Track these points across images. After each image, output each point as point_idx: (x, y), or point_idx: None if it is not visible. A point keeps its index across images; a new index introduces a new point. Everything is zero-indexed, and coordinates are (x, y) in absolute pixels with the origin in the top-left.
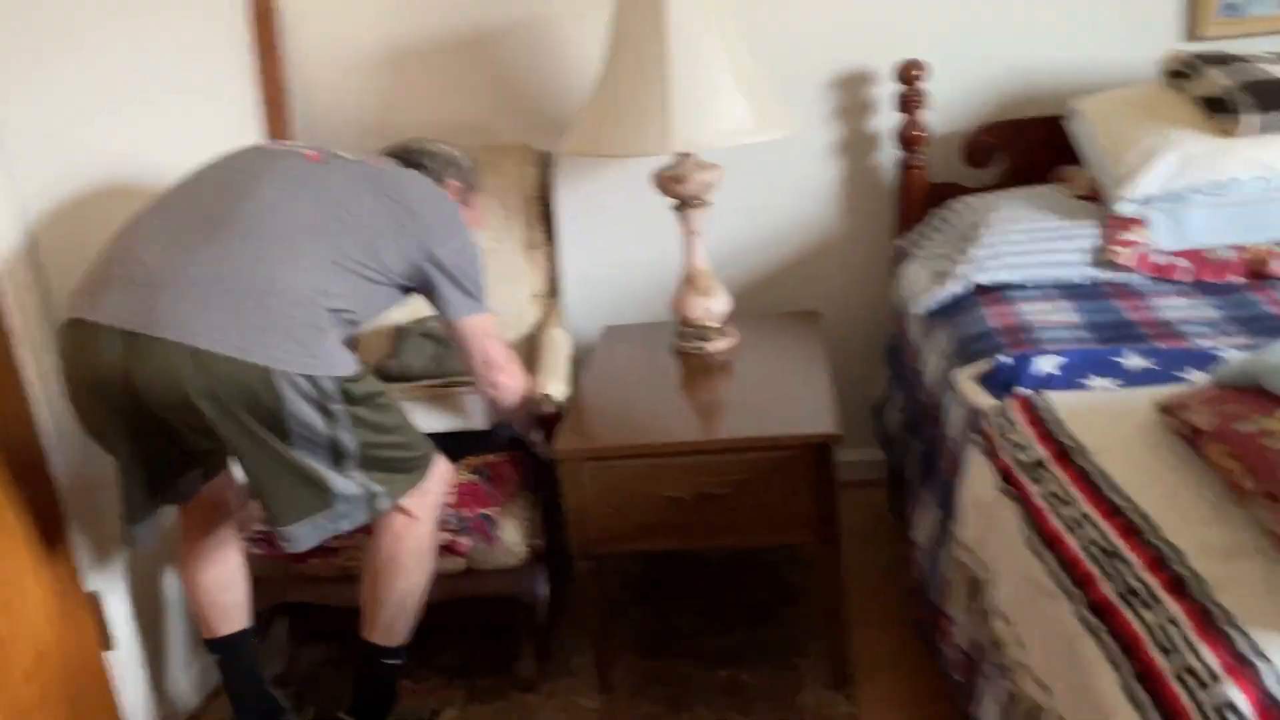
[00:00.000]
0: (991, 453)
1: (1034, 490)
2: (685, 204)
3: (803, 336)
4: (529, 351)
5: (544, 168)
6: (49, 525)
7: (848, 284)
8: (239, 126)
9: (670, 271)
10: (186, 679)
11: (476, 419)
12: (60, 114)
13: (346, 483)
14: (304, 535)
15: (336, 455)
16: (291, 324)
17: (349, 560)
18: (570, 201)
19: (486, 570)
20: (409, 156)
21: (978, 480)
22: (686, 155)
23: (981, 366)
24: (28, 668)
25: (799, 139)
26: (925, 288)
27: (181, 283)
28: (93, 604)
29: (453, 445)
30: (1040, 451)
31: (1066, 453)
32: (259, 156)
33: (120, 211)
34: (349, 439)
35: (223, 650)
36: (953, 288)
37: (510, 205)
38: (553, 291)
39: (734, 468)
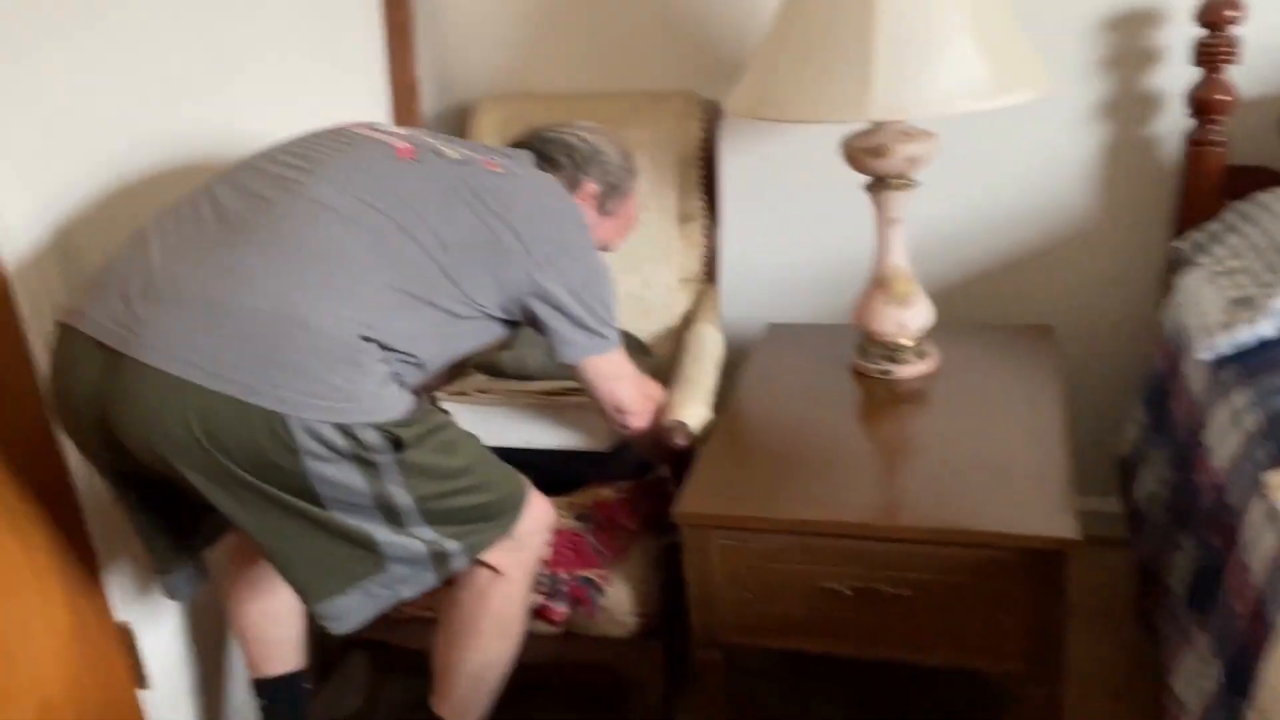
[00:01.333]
0: None
1: None
2: (883, 183)
3: (1030, 362)
4: (672, 349)
5: (711, 121)
6: (72, 548)
7: (1097, 292)
8: (357, 82)
9: (858, 261)
10: (253, 715)
11: (597, 439)
12: (140, 78)
13: (407, 541)
14: (352, 610)
15: (389, 513)
16: (318, 360)
17: (423, 609)
18: (737, 165)
19: (589, 636)
20: (543, 149)
21: None
22: (890, 120)
23: None
24: None
25: (1045, 98)
26: (1216, 319)
27: (181, 296)
28: (124, 637)
29: (565, 466)
30: None
31: None
32: (334, 143)
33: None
34: (401, 494)
35: (268, 694)
36: (1262, 327)
37: (664, 166)
38: (709, 275)
39: (917, 563)
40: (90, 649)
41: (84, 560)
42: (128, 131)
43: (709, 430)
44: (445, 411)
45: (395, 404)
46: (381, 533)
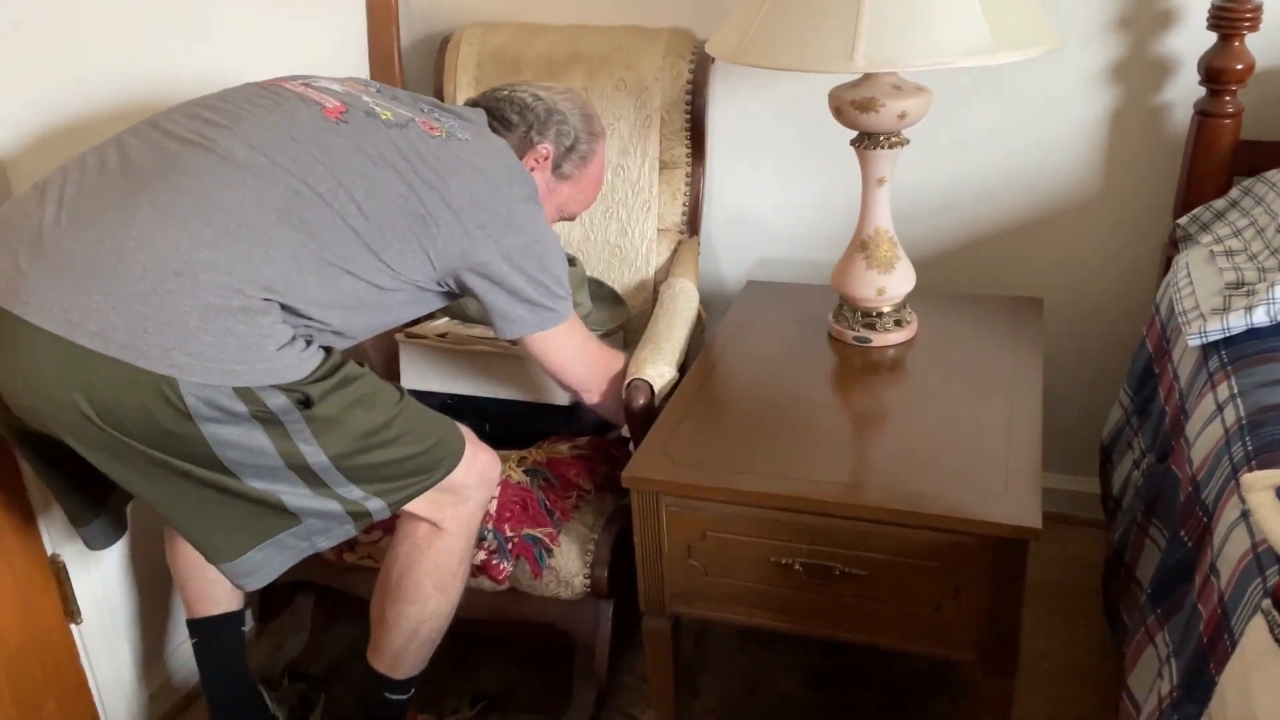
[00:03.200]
0: None
1: None
2: (871, 140)
3: (1013, 336)
4: (647, 301)
5: (702, 62)
6: (1, 482)
7: (1092, 266)
8: (333, 4)
9: (844, 220)
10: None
11: (557, 394)
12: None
13: (320, 503)
14: (263, 564)
15: (304, 474)
16: (210, 320)
17: (364, 559)
18: (728, 111)
19: (535, 595)
20: (495, 107)
21: (1267, 694)
22: (881, 74)
23: None
24: None
25: (1047, 56)
26: (1209, 303)
27: (70, 250)
28: (56, 571)
29: (525, 418)
30: None
31: None
32: (259, 98)
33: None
34: (314, 453)
35: (201, 634)
36: (1256, 315)
37: (648, 109)
38: (691, 226)
39: (873, 542)
40: (19, 581)
41: (14, 494)
42: (79, 67)
43: (672, 391)
44: (359, 362)
45: (301, 364)
46: (293, 495)
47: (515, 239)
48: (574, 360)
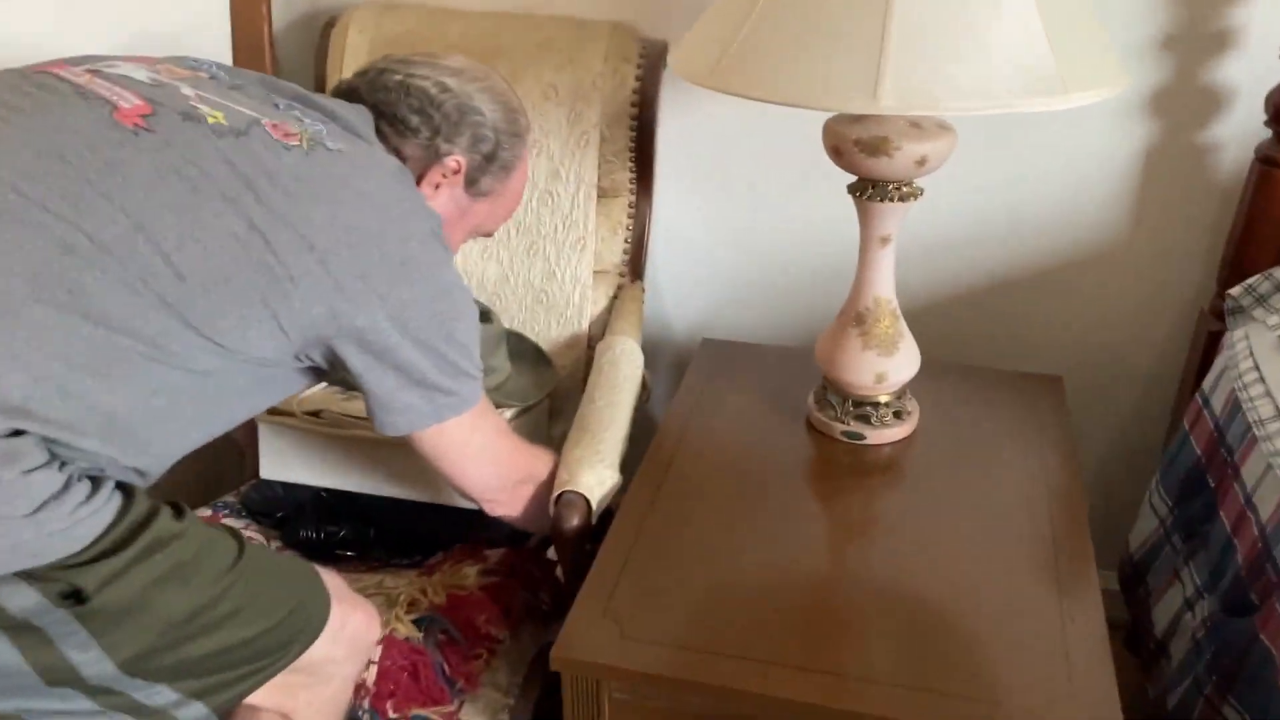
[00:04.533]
0: None
1: None
2: (877, 188)
3: (1037, 432)
4: (578, 360)
5: (652, 67)
6: None
7: (1114, 336)
8: None
9: (816, 263)
10: None
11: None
12: None
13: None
14: None
15: (79, 687)
16: None
17: None
18: (681, 129)
19: None
20: (384, 102)
21: None
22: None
23: None
24: None
25: None
26: None
27: None
28: None
29: (418, 520)
30: None
31: None
32: (11, 92)
33: None
34: (92, 662)
35: None
36: None
37: (585, 124)
38: (634, 268)
39: None
40: None
41: None
42: None
43: (612, 501)
44: (178, 509)
45: (75, 527)
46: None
47: (410, 292)
48: (479, 462)
